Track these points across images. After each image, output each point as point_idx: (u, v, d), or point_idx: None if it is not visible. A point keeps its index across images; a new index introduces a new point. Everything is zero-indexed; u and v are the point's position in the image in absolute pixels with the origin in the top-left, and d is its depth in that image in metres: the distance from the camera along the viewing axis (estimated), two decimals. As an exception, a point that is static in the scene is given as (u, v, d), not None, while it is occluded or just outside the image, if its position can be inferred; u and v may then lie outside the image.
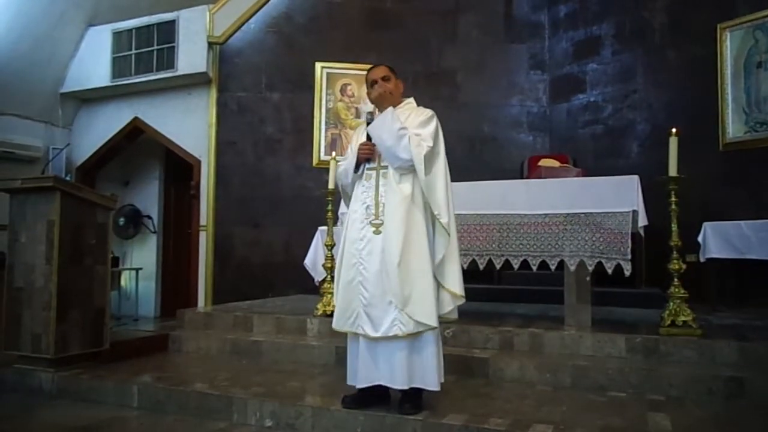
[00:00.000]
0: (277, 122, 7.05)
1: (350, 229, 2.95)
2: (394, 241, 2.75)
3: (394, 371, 2.76)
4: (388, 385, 2.80)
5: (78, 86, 7.39)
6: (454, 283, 2.84)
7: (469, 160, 6.89)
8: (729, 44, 5.75)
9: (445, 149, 2.98)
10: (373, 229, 2.84)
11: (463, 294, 2.87)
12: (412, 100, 3.13)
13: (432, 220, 2.85)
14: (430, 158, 2.82)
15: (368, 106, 3.25)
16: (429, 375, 2.77)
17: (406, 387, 2.75)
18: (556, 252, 3.92)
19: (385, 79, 3.03)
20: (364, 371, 2.83)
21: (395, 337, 2.73)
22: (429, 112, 2.98)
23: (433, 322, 2.73)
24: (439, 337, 2.87)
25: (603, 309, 4.76)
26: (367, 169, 2.95)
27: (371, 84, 3.05)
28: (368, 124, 2.95)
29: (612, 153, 6.62)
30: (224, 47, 7.01)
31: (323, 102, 6.96)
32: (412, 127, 2.87)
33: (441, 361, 2.85)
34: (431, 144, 2.84)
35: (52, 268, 3.67)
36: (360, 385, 2.86)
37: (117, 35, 7.21)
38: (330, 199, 4.61)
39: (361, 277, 2.84)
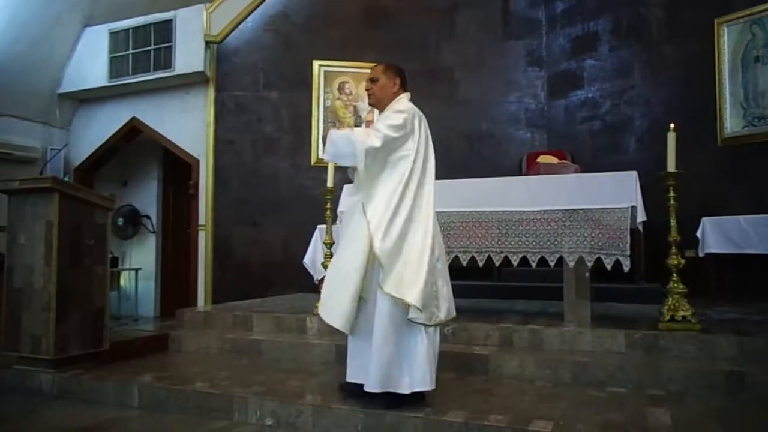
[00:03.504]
0: (275, 121, 7.04)
1: None
2: (340, 244, 2.88)
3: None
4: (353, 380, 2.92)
5: (75, 86, 7.37)
6: (408, 293, 2.69)
7: (468, 157, 6.90)
8: (726, 39, 5.75)
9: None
10: None
11: (417, 304, 2.68)
12: (403, 97, 3.06)
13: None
14: (378, 150, 2.79)
15: (365, 105, 3.27)
16: (370, 374, 2.74)
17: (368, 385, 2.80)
18: (555, 248, 3.92)
19: (372, 80, 3.07)
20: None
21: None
22: (401, 107, 2.93)
23: (340, 326, 2.76)
24: (387, 339, 2.73)
25: (602, 305, 4.77)
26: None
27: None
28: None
29: (610, 149, 6.63)
30: (221, 46, 7.00)
31: (321, 100, 6.96)
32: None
33: (384, 363, 2.71)
34: (383, 133, 2.79)
35: (51, 269, 3.66)
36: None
37: (114, 35, 7.19)
38: (329, 197, 4.60)
39: None
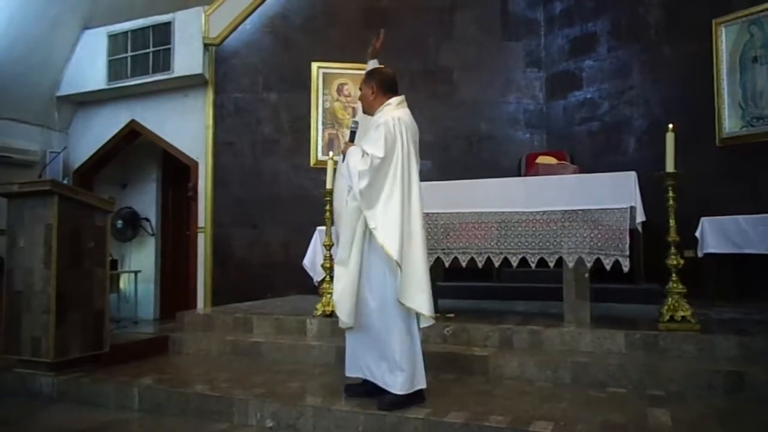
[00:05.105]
0: (275, 123, 7.04)
1: None
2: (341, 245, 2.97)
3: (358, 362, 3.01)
4: (356, 375, 3.03)
5: (74, 89, 7.38)
6: (414, 301, 2.84)
7: (467, 157, 6.90)
8: (724, 39, 5.76)
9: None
10: None
11: (425, 310, 2.85)
12: (390, 104, 3.05)
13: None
14: (366, 171, 2.84)
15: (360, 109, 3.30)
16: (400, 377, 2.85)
17: (373, 380, 2.92)
18: (555, 249, 3.93)
19: (360, 90, 3.18)
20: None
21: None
22: (381, 119, 2.96)
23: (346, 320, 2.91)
24: (402, 337, 2.86)
25: (602, 305, 4.77)
26: None
27: None
28: (351, 132, 3.13)
29: (609, 149, 6.63)
30: (220, 48, 7.00)
31: (320, 102, 6.96)
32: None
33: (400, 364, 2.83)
34: (369, 155, 2.85)
35: (51, 272, 3.66)
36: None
37: (112, 38, 7.20)
38: (328, 198, 4.60)
39: None
